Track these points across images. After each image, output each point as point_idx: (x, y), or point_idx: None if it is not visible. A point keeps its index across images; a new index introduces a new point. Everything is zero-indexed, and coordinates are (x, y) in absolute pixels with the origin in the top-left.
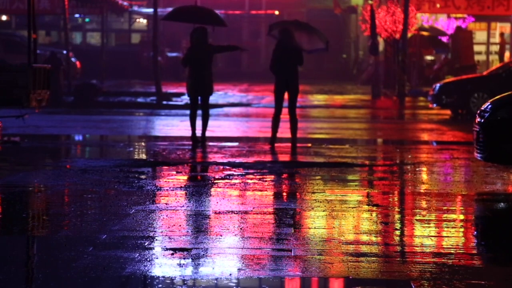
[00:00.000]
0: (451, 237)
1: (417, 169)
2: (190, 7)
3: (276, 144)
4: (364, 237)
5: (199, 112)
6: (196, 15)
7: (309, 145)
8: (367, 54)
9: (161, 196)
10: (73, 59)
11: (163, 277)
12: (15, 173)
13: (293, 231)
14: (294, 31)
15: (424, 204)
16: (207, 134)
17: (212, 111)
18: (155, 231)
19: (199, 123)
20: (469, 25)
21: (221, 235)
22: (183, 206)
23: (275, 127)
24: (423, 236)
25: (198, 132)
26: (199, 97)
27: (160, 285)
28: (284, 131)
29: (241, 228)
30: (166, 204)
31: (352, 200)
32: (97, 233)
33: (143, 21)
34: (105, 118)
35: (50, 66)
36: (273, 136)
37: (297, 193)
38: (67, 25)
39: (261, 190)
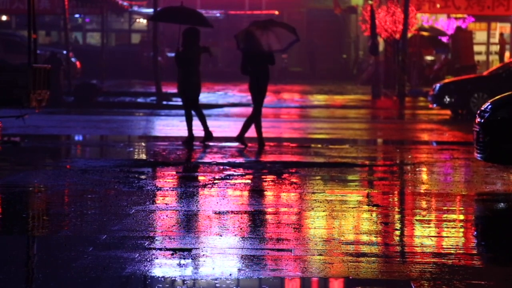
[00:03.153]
0: (451, 237)
1: (417, 169)
2: (176, 8)
3: (272, 144)
4: (364, 237)
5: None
6: (182, 16)
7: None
8: (367, 54)
9: (161, 196)
10: (73, 59)
11: (163, 277)
12: (15, 173)
13: (293, 231)
14: (260, 35)
15: (424, 204)
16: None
17: (212, 111)
18: (155, 231)
19: (198, 123)
20: (469, 25)
21: (221, 235)
22: (183, 206)
23: (259, 127)
24: (423, 236)
25: (199, 133)
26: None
27: (160, 285)
28: (285, 131)
29: (241, 228)
30: (166, 204)
31: (352, 200)
32: (97, 233)
33: (143, 21)
34: (105, 118)
35: (50, 66)
36: (260, 136)
37: (297, 193)
38: (67, 25)
39: (261, 190)
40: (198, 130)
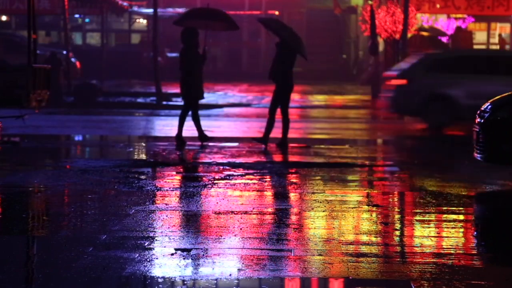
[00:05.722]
0: (451, 237)
1: (417, 169)
2: (203, 10)
3: (273, 144)
4: (364, 238)
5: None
6: (208, 19)
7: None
8: (367, 54)
9: (161, 197)
10: (73, 59)
11: (163, 277)
12: (15, 173)
13: (293, 231)
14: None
15: (424, 204)
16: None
17: (212, 112)
18: (155, 232)
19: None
20: (469, 26)
21: (221, 235)
22: (183, 206)
23: (271, 127)
24: (423, 236)
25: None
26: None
27: (160, 286)
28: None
29: (241, 228)
30: (166, 204)
31: (352, 200)
32: (97, 233)
33: (143, 21)
34: (105, 118)
35: (50, 66)
36: (266, 136)
37: (297, 193)
38: (67, 25)
39: (261, 191)
40: (191, 130)
